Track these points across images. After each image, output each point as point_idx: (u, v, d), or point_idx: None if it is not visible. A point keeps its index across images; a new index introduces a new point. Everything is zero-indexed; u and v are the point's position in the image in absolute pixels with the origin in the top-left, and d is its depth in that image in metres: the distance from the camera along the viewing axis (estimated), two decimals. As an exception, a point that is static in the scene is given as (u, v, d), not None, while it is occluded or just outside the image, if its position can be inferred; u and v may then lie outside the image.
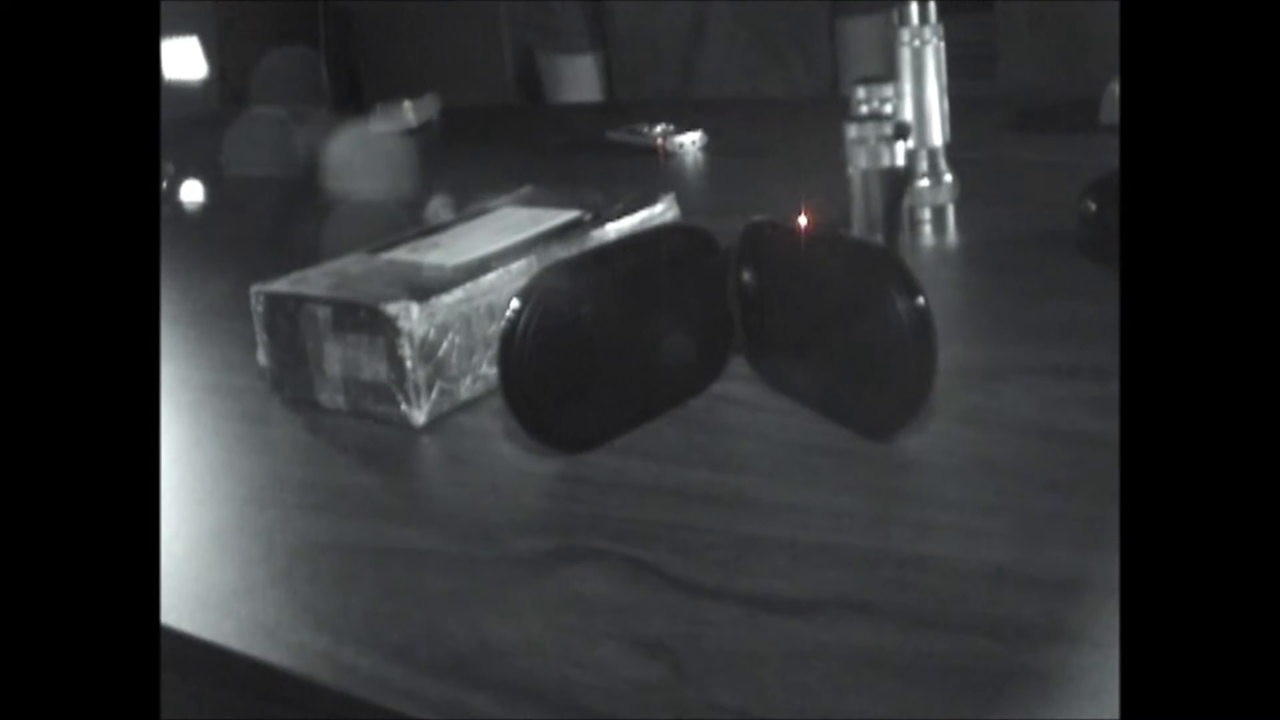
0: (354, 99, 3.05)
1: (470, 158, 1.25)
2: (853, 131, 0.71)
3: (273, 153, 1.45)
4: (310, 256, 0.74)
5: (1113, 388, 0.59)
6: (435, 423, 0.65)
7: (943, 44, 0.86)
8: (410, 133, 1.53)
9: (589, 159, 1.29)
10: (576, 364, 0.59)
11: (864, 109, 0.76)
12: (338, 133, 1.44)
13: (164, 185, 1.34)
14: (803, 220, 0.60)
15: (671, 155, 1.23)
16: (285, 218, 1.20)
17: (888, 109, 0.76)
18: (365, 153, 1.39)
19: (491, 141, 1.42)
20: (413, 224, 0.93)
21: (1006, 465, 0.55)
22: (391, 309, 0.63)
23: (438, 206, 1.04)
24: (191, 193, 1.37)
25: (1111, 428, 0.56)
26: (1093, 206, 0.77)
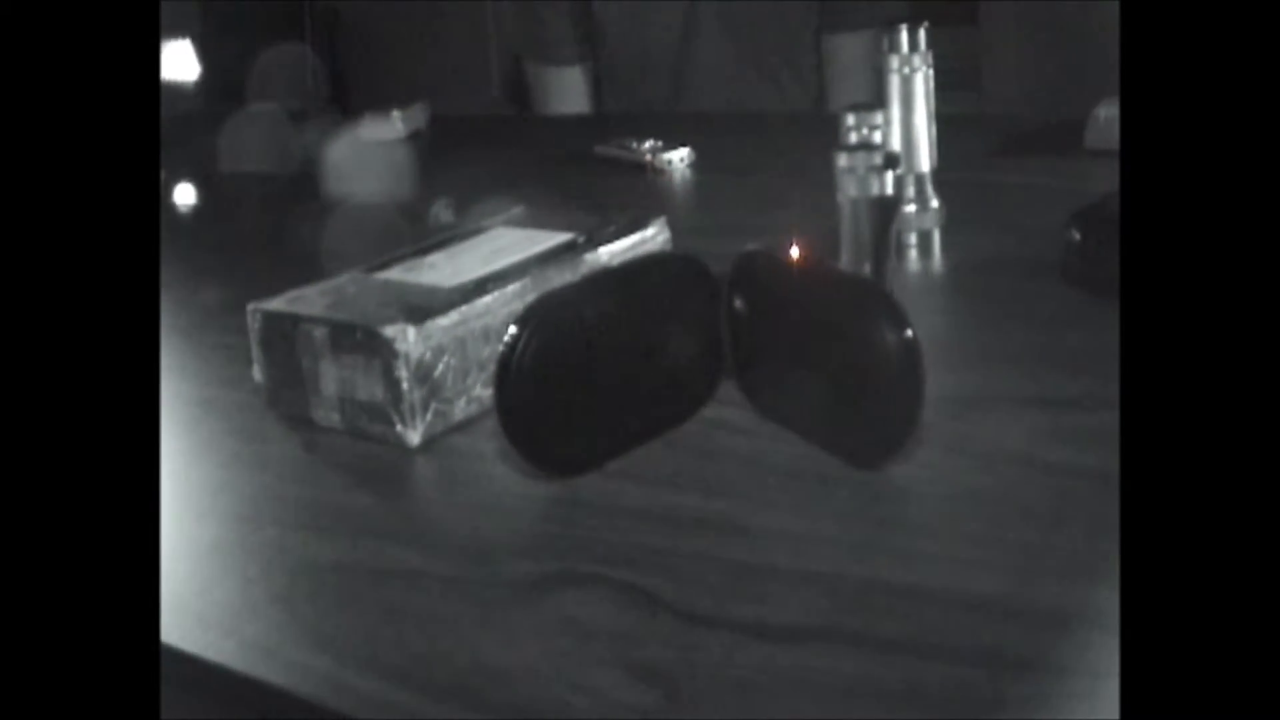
0: (339, 105, 3.05)
1: (460, 170, 1.26)
2: (843, 161, 0.73)
3: (267, 150, 1.46)
4: (304, 266, 0.75)
5: (1096, 418, 0.61)
6: (430, 443, 0.66)
7: (931, 71, 0.88)
8: (399, 142, 1.53)
9: (578, 174, 1.30)
10: (571, 389, 0.60)
11: (853, 137, 0.78)
12: (330, 141, 1.45)
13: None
14: (794, 250, 0.62)
15: (660, 172, 1.24)
16: (278, 226, 1.21)
17: (877, 137, 0.77)
18: (358, 163, 1.40)
19: (481, 153, 1.42)
20: (410, 230, 0.94)
21: (991, 495, 0.56)
22: (389, 331, 0.64)
23: (440, 208, 1.04)
24: (183, 195, 1.38)
25: (1094, 459, 0.57)
26: (1077, 236, 0.79)
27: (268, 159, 1.45)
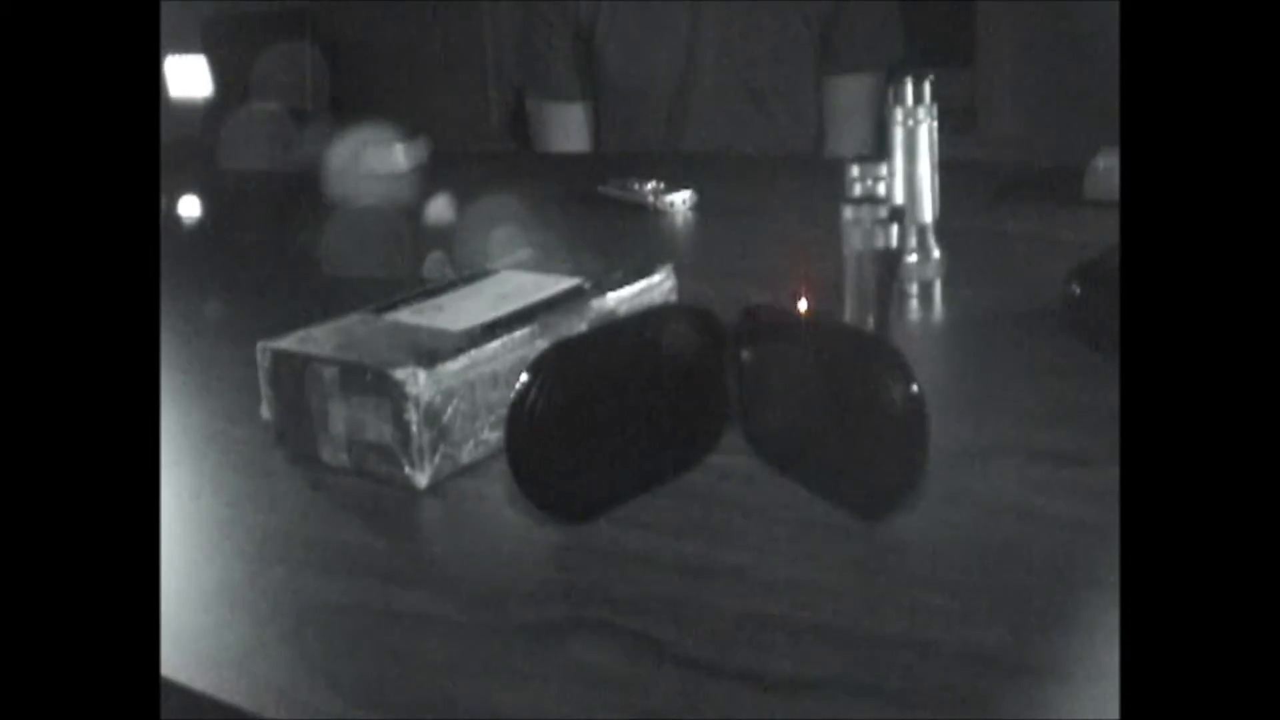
0: (337, 111, 3.08)
1: (463, 206, 1.27)
2: (848, 214, 0.74)
3: (268, 148, 1.47)
4: (311, 298, 0.76)
5: (1097, 471, 0.62)
6: (437, 486, 0.67)
7: (935, 123, 0.89)
8: (401, 176, 1.54)
9: (581, 214, 1.31)
10: (580, 436, 0.61)
11: (858, 188, 0.79)
12: (334, 166, 1.46)
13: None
14: (800, 304, 0.63)
15: (663, 214, 1.25)
16: (286, 253, 1.22)
17: (881, 189, 0.79)
18: (364, 194, 1.41)
19: (483, 190, 1.43)
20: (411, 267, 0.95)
21: (992, 548, 0.57)
22: (399, 374, 0.65)
23: (435, 262, 1.05)
24: (187, 208, 1.39)
25: (1095, 511, 0.58)
26: (1077, 290, 0.80)
27: (268, 157, 1.47)
